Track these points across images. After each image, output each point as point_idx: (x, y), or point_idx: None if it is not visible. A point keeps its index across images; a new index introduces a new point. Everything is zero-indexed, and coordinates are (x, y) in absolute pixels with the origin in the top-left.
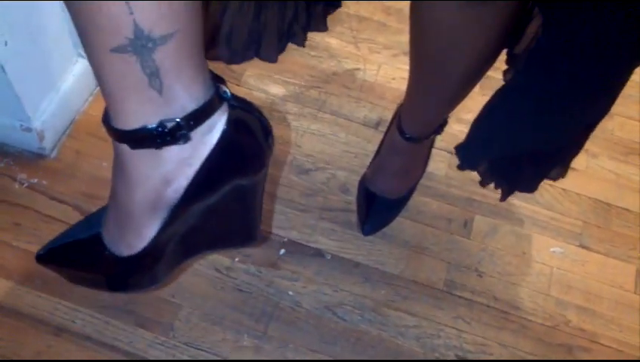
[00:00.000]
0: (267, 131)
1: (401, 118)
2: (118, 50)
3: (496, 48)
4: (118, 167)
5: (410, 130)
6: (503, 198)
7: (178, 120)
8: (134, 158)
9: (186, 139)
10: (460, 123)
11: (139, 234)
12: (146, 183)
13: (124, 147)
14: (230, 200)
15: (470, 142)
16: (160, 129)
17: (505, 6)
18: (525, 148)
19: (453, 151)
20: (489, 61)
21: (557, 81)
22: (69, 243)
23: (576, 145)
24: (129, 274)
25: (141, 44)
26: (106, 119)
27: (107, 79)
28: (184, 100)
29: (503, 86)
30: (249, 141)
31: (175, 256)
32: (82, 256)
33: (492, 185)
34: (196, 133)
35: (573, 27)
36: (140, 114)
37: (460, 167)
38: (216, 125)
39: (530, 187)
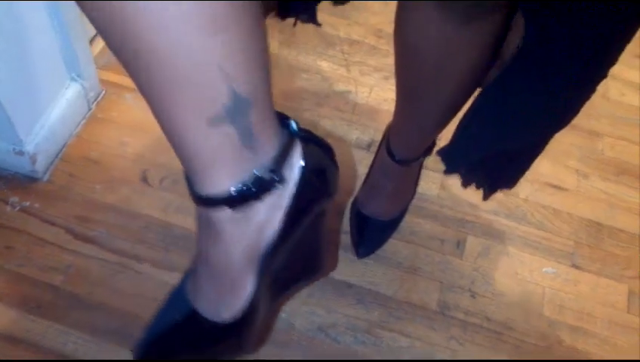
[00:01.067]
0: (332, 153)
1: (390, 141)
2: (215, 119)
3: (482, 71)
4: (211, 232)
5: (400, 152)
6: (486, 198)
7: (271, 167)
8: (230, 219)
9: (281, 180)
10: None
11: (238, 293)
12: (242, 240)
13: (218, 212)
14: (310, 230)
15: (454, 146)
16: (257, 182)
17: (492, 26)
18: (508, 146)
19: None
20: (476, 83)
21: (536, 81)
22: (167, 332)
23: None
24: (240, 336)
25: (237, 109)
26: (193, 190)
27: (201, 152)
28: (268, 147)
29: (484, 89)
30: (323, 167)
31: (268, 303)
32: (186, 338)
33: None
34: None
35: (552, 29)
36: (238, 175)
37: (446, 172)
38: (295, 161)
39: (510, 183)
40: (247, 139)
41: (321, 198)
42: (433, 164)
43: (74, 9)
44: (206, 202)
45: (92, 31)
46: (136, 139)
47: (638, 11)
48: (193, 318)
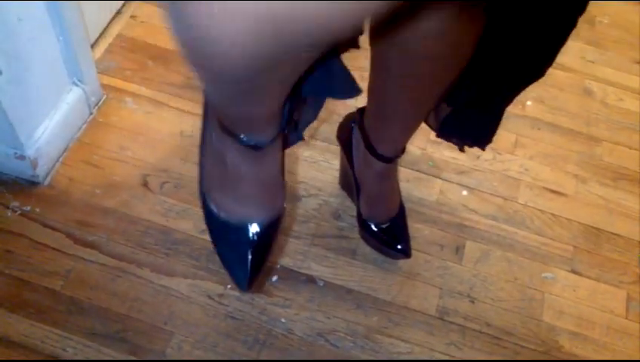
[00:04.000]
0: None
1: (374, 144)
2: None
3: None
4: (257, 159)
5: (387, 151)
6: (461, 148)
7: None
8: (273, 146)
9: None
10: (451, 149)
11: (281, 185)
12: (278, 155)
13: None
14: None
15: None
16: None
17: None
18: (485, 91)
19: (439, 170)
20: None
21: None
22: (252, 254)
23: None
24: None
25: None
26: (246, 142)
27: (260, 118)
28: None
29: None
30: None
31: None
32: (263, 246)
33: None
34: None
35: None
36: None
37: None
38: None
39: (483, 140)
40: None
41: None
42: (432, 169)
43: (76, 13)
44: (259, 147)
45: (94, 35)
46: (137, 144)
47: None
48: (257, 229)
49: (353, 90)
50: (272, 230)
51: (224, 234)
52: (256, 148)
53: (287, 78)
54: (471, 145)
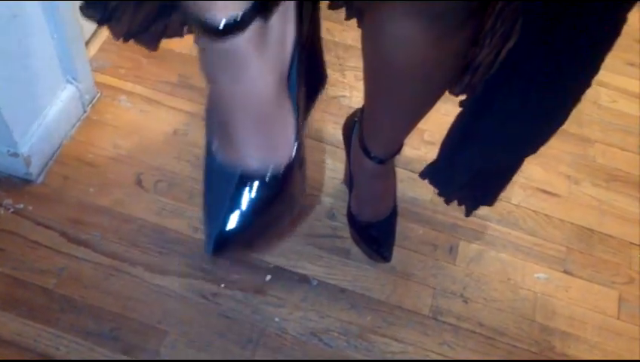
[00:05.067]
0: None
1: (367, 143)
2: None
3: (456, 74)
4: (237, 71)
5: (379, 152)
6: (468, 214)
7: None
8: (253, 47)
9: None
10: None
11: (284, 124)
12: (269, 65)
13: (238, 41)
14: (312, 37)
15: (442, 170)
16: None
17: (463, 34)
18: (490, 165)
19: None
20: (449, 83)
21: (521, 93)
22: (228, 212)
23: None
24: (297, 180)
25: None
26: (207, 24)
27: None
28: None
29: (465, 109)
30: None
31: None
32: (252, 207)
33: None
34: None
35: (550, 31)
36: None
37: (441, 194)
38: None
39: (491, 200)
40: None
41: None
42: None
43: (70, 11)
44: (223, 32)
45: (88, 33)
46: (131, 143)
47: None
48: (245, 181)
49: None
50: (264, 189)
51: (211, 178)
52: (220, 33)
53: None
54: (470, 206)
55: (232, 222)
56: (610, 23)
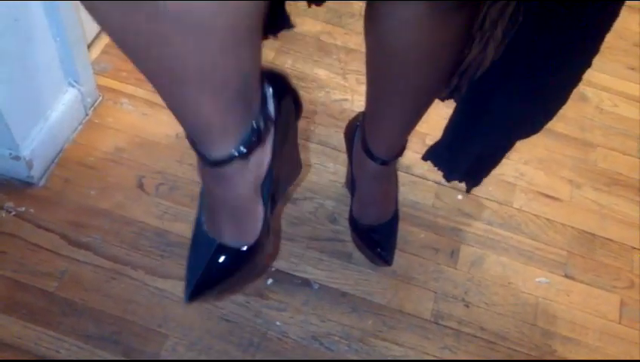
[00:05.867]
0: (287, 80)
1: (369, 144)
2: (229, 100)
3: (457, 62)
4: (222, 182)
5: (380, 152)
6: (469, 190)
7: (261, 114)
8: (238, 168)
9: (270, 120)
10: None
11: (254, 218)
12: (248, 177)
13: (227, 167)
14: (288, 143)
15: (446, 155)
16: (257, 132)
17: (466, 19)
18: (496, 146)
19: (436, 174)
20: (451, 74)
21: (523, 74)
22: (205, 271)
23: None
24: (260, 255)
25: (246, 87)
26: (204, 157)
27: (213, 125)
28: (258, 100)
29: (469, 90)
30: (289, 93)
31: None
32: (223, 270)
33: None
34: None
35: (551, 14)
36: (241, 134)
37: (444, 176)
38: (269, 98)
39: (478, 180)
40: (249, 105)
41: (294, 119)
42: (428, 172)
43: (73, 14)
44: (217, 164)
45: (90, 36)
46: (133, 146)
47: None
48: (221, 251)
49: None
50: (234, 259)
51: (197, 241)
52: (215, 164)
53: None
54: (460, 181)
55: (207, 280)
56: (610, 3)
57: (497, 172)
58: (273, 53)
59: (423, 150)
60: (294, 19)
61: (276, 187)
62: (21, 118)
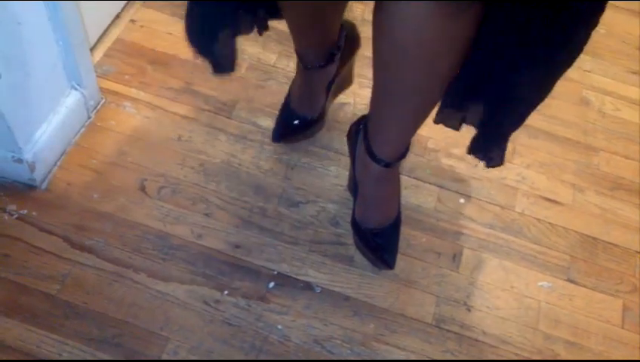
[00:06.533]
0: (356, 32)
1: (373, 145)
2: None
3: (461, 61)
4: (306, 77)
5: (385, 154)
6: (489, 166)
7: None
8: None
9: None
10: (449, 157)
11: (319, 102)
12: (323, 78)
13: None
14: (346, 65)
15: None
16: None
17: (474, 18)
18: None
19: (438, 178)
20: (455, 72)
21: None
22: (285, 128)
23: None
24: (319, 123)
25: None
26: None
27: None
28: None
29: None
30: (354, 39)
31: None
32: (297, 128)
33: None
34: None
35: None
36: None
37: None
38: (342, 39)
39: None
40: (333, 41)
41: (353, 52)
42: (430, 177)
43: (76, 17)
44: (308, 69)
45: (93, 39)
46: (135, 149)
47: None
48: (296, 117)
49: None
50: (303, 123)
51: (284, 110)
52: (307, 68)
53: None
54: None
55: (287, 132)
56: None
57: (499, 176)
58: (275, 57)
59: (425, 154)
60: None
61: (334, 88)
62: (24, 120)
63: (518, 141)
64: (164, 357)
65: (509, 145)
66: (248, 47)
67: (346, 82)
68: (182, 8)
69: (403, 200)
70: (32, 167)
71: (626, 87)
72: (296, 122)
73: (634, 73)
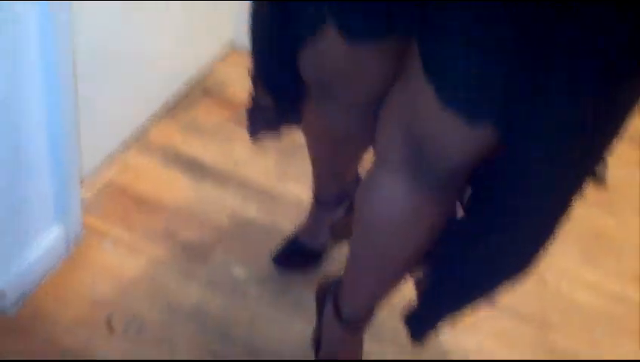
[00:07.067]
0: None
1: (339, 303)
2: None
3: (432, 235)
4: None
5: (350, 316)
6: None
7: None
8: None
9: None
10: None
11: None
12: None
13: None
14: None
15: (425, 313)
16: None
17: (447, 197)
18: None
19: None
20: (426, 245)
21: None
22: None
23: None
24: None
25: None
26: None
27: None
28: None
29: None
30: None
31: None
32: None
33: None
34: None
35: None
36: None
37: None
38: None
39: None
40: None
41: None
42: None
43: (75, 149)
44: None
45: (84, 171)
46: (107, 286)
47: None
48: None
49: None
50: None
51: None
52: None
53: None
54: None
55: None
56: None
57: None
58: (254, 209)
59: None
60: None
61: (337, 233)
62: (1, 249)
63: None
64: None
65: None
66: (229, 196)
67: (347, 232)
68: (172, 155)
69: None
70: (2, 294)
71: None
72: (296, 247)
73: None
